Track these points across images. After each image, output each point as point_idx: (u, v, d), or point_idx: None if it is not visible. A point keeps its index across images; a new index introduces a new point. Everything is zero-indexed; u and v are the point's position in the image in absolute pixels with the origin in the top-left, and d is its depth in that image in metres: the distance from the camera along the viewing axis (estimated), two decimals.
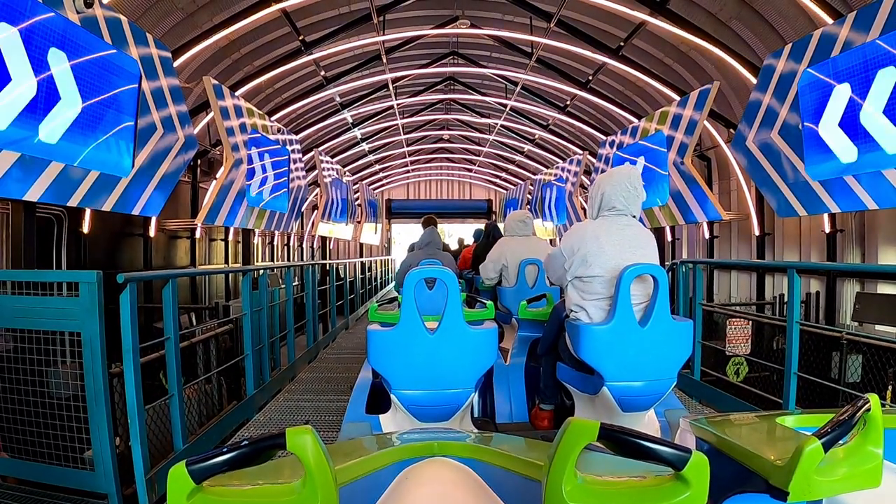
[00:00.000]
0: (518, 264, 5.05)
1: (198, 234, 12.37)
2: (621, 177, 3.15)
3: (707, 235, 12.99)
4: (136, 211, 6.37)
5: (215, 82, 7.97)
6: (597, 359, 2.97)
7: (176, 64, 7.70)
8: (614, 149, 11.43)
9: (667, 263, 13.78)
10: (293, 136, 11.38)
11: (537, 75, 12.92)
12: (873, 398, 1.19)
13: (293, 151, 11.06)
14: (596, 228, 3.11)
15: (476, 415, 3.97)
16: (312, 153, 13.60)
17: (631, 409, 3.05)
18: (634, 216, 3.20)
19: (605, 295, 3.05)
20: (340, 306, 11.46)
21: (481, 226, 10.05)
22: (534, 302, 4.37)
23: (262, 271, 6.17)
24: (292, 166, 11.03)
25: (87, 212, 8.88)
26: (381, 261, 21.77)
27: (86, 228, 8.95)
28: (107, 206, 5.96)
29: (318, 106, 14.43)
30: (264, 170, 9.47)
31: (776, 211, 7.42)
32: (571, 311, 3.21)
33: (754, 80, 9.12)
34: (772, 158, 7.22)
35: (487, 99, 15.74)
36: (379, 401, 3.30)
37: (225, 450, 0.94)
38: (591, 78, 12.08)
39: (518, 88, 13.84)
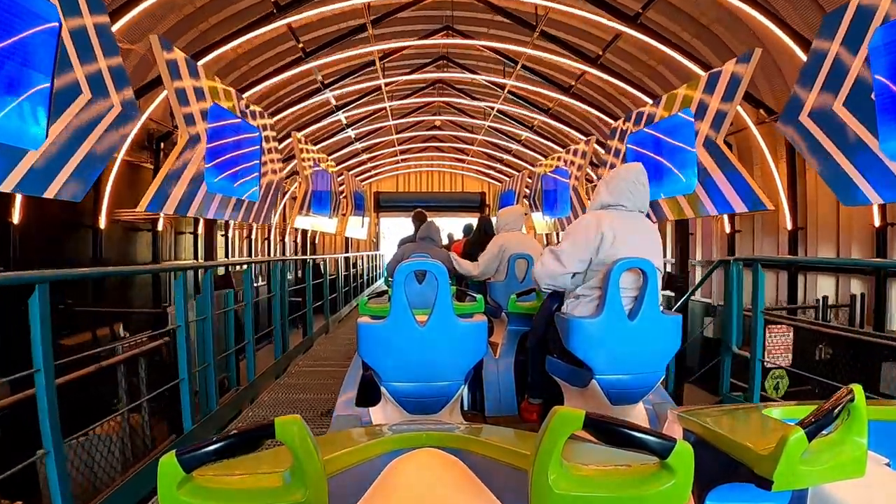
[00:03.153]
0: (507, 258, 5.02)
1: (160, 226, 10.96)
2: (628, 173, 3.19)
3: (728, 230, 11.77)
4: (49, 194, 4.99)
5: (163, 38, 6.62)
6: (586, 352, 3.00)
7: (125, 24, 6.41)
8: (629, 123, 10.06)
9: (692, 261, 12.59)
10: (266, 119, 9.98)
11: (541, 50, 11.57)
12: (857, 389, 1.18)
13: (265, 129, 9.69)
14: (611, 219, 3.10)
15: (466, 408, 3.99)
16: (290, 138, 12.19)
17: (620, 402, 3.07)
18: (642, 212, 3.25)
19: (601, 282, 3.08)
20: (323, 306, 10.20)
21: (471, 220, 10.09)
22: (523, 296, 4.34)
23: (205, 270, 4.86)
24: (265, 145, 9.67)
25: (18, 198, 7.53)
26: (368, 256, 20.50)
27: (16, 218, 7.57)
28: (6, 187, 4.60)
29: (297, 84, 13.10)
30: (229, 149, 8.12)
31: (842, 199, 6.17)
32: (566, 297, 3.23)
33: (795, 49, 7.98)
34: (835, 135, 5.98)
35: (483, 78, 14.31)
36: (369, 393, 3.30)
37: (215, 439, 0.93)
38: (601, 53, 10.80)
39: (518, 67, 12.48)
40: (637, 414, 3.18)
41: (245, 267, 6.33)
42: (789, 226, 10.02)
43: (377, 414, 3.13)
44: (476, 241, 6.76)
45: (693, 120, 8.29)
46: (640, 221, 3.20)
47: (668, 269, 14.88)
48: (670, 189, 8.89)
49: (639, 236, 3.11)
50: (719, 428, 1.41)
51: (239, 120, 8.49)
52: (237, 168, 8.44)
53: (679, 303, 7.46)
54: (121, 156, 9.19)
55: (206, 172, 7.43)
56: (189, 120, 6.87)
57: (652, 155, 9.48)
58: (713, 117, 7.89)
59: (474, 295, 3.96)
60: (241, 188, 8.68)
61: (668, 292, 12.61)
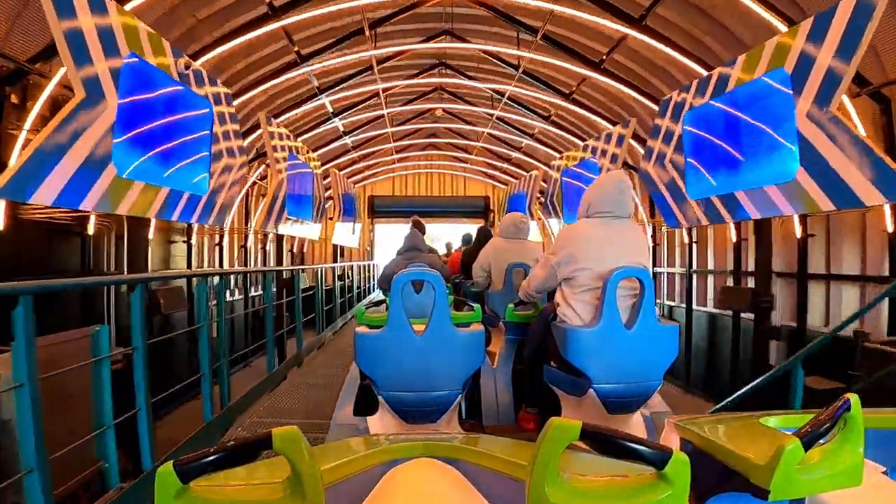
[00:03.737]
0: (505, 268, 4.96)
1: (90, 229, 8.66)
2: (608, 182, 3.29)
3: (799, 233, 9.54)
4: None
5: None
6: (583, 361, 3.00)
7: None
8: (689, 94, 7.79)
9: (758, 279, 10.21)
10: (220, 87, 7.72)
11: (570, 6, 9.28)
12: (853, 398, 1.15)
13: (219, 101, 7.45)
14: (584, 226, 3.28)
15: (463, 417, 3.96)
16: (259, 120, 9.91)
17: (617, 411, 3.07)
18: (621, 217, 3.28)
19: (591, 286, 3.11)
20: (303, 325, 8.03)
21: (469, 229, 10.04)
22: (521, 305, 4.28)
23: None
24: (218, 128, 7.47)
25: None
26: (360, 266, 18.30)
27: None
28: None
29: (277, 63, 10.88)
30: (157, 118, 5.90)
31: None
32: (558, 306, 3.27)
33: None
34: None
35: (492, 47, 11.87)
36: (367, 403, 3.26)
37: (212, 450, 0.92)
38: (646, 13, 8.60)
39: (538, 37, 10.21)
40: (635, 423, 3.20)
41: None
42: (890, 228, 7.83)
43: (375, 423, 3.14)
44: (474, 252, 6.51)
45: (790, 81, 6.06)
46: (618, 222, 3.24)
47: (712, 281, 12.71)
48: (754, 179, 6.65)
49: (613, 236, 3.19)
50: (716, 437, 1.39)
51: (176, 84, 6.28)
52: (171, 146, 6.22)
53: (819, 341, 5.22)
54: (24, 132, 6.95)
55: (115, 149, 5.23)
56: (82, 59, 4.65)
57: (718, 142, 7.30)
58: (824, 75, 5.66)
59: (472, 304, 3.92)
60: (179, 177, 6.44)
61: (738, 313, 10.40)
